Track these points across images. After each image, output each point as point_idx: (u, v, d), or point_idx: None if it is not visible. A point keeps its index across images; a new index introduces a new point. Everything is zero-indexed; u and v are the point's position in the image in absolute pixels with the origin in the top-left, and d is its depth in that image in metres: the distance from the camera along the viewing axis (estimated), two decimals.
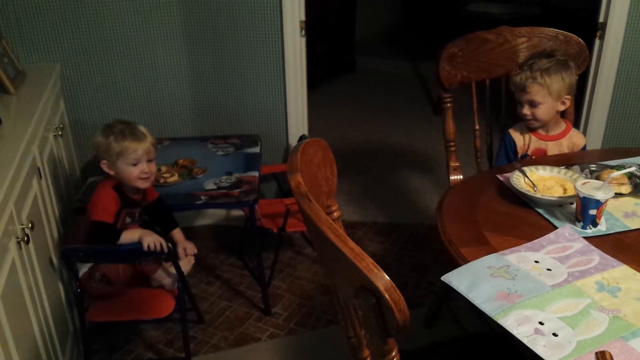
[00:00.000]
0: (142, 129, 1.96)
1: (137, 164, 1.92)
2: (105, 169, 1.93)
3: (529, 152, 2.00)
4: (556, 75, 1.88)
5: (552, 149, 1.99)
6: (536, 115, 1.92)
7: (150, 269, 2.00)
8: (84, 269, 1.99)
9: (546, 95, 1.89)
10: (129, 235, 1.92)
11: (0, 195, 1.47)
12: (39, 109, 2.02)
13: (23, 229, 1.61)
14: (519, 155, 2.00)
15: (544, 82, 1.87)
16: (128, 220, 2.01)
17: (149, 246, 1.88)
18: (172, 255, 1.94)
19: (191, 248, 2.12)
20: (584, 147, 2.03)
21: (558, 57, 1.91)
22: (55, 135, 2.19)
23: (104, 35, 2.56)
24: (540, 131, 1.99)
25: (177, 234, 2.15)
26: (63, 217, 2.12)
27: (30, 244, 1.66)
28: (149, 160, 1.95)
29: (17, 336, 1.48)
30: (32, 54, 2.49)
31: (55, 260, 1.94)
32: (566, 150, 1.99)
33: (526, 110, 1.92)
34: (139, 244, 1.88)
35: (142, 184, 1.97)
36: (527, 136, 1.99)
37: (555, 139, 1.99)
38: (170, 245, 1.92)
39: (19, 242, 1.57)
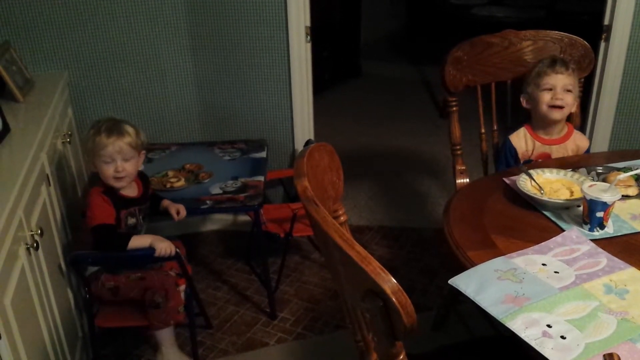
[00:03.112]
0: (128, 127, 1.90)
1: (111, 162, 1.88)
2: (92, 168, 1.93)
3: (534, 158, 1.99)
4: (575, 73, 1.97)
5: (557, 152, 1.98)
6: (568, 100, 1.92)
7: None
8: (91, 268, 1.99)
9: (575, 87, 1.94)
10: (140, 241, 1.92)
11: (10, 202, 1.49)
12: (48, 117, 2.04)
13: (32, 235, 1.63)
14: (522, 161, 1.99)
15: (574, 74, 1.95)
16: (132, 221, 2.00)
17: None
18: (179, 258, 1.95)
19: (183, 209, 2.10)
20: (588, 150, 2.03)
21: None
22: (63, 142, 2.21)
23: (111, 43, 2.58)
24: (544, 136, 1.99)
25: (165, 201, 2.14)
26: (72, 223, 2.13)
27: (40, 250, 1.67)
28: (126, 160, 1.90)
29: (27, 342, 1.49)
30: (40, 62, 2.51)
31: (64, 266, 1.96)
32: (570, 154, 1.99)
33: (561, 95, 1.91)
34: (150, 249, 1.89)
35: (116, 183, 1.92)
36: (530, 142, 1.99)
37: (560, 142, 1.99)
38: (178, 250, 1.94)
39: (28, 249, 1.58)
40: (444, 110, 4.09)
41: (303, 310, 2.44)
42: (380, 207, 3.18)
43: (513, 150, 2.00)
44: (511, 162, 2.00)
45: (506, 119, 2.14)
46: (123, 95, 2.68)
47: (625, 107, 2.62)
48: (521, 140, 2.00)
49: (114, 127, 1.89)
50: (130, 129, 1.92)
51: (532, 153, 1.99)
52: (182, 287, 2.07)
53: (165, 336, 2.05)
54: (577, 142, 2.00)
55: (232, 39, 2.65)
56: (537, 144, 1.98)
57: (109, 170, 1.89)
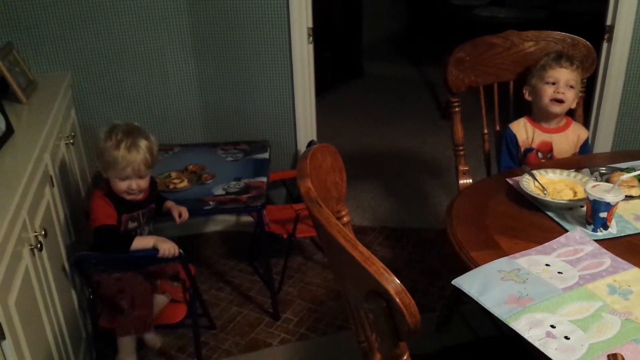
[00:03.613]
0: (142, 143, 1.87)
1: (126, 180, 1.88)
2: (101, 172, 1.93)
3: (534, 146, 2.01)
4: (579, 70, 1.99)
5: (558, 141, 2.01)
6: (569, 96, 1.94)
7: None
8: None
9: (577, 84, 1.96)
10: (143, 242, 1.92)
11: (14, 203, 1.49)
12: (51, 118, 2.04)
13: (36, 236, 1.63)
14: (523, 149, 2.01)
15: (578, 71, 1.97)
16: (132, 225, 1.98)
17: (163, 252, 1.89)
18: (183, 260, 1.95)
19: (185, 212, 2.09)
20: (587, 140, 2.06)
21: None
22: (67, 143, 2.21)
23: (114, 44, 2.59)
24: (544, 124, 2.01)
25: (168, 202, 2.13)
26: (75, 224, 2.13)
27: (44, 252, 1.68)
28: (141, 177, 1.90)
29: (31, 342, 1.50)
30: (43, 64, 2.52)
31: (67, 267, 1.96)
32: (571, 143, 2.01)
33: (563, 90, 1.93)
34: (153, 250, 1.90)
35: (129, 197, 1.92)
36: (530, 130, 2.01)
37: (559, 131, 2.02)
38: (182, 251, 1.94)
39: (32, 250, 1.58)
40: (445, 112, 4.10)
41: (306, 311, 2.44)
42: (383, 208, 3.18)
43: (514, 139, 2.02)
44: (513, 150, 2.03)
45: (509, 119, 2.13)
46: (126, 97, 2.69)
47: (628, 108, 2.62)
48: (521, 128, 2.03)
49: (133, 146, 1.85)
50: (147, 145, 1.89)
51: (532, 140, 2.01)
52: (163, 301, 2.06)
53: (125, 343, 1.99)
54: (577, 131, 2.04)
55: (235, 40, 2.66)
56: (537, 131, 2.01)
57: (122, 186, 1.89)
